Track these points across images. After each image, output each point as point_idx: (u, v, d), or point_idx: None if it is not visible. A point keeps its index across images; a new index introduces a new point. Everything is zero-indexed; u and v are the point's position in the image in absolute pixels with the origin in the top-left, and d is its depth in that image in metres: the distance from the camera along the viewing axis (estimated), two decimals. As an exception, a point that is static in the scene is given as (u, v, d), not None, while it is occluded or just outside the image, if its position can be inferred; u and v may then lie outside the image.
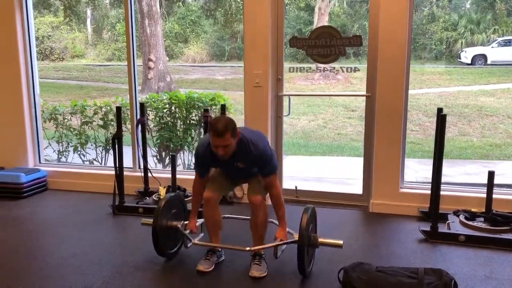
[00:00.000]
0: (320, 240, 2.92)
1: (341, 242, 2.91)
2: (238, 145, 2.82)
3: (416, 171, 6.14)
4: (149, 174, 4.49)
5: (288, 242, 2.95)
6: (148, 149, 4.64)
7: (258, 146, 2.85)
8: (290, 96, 4.53)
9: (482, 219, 3.59)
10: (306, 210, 2.88)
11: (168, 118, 5.66)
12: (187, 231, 3.12)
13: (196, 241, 3.11)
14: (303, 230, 2.76)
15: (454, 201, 3.90)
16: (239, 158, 2.87)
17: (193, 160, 3.29)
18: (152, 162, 5.53)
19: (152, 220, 3.05)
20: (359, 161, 4.46)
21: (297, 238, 2.80)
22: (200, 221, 3.35)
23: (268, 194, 2.98)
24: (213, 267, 3.04)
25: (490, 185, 3.54)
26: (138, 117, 4.56)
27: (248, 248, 2.96)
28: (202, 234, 3.36)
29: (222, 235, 3.20)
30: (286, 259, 3.03)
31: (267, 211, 3.01)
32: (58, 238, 3.63)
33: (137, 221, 3.93)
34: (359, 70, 4.35)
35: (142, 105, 4.46)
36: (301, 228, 2.77)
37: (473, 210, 3.72)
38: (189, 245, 3.14)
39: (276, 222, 3.06)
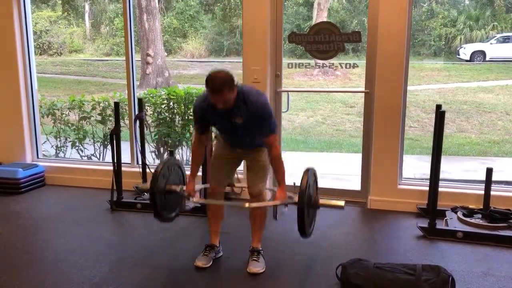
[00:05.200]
0: (321, 201, 2.87)
1: (342, 203, 2.86)
2: (238, 96, 2.69)
3: (415, 168, 6.14)
4: (147, 170, 4.49)
5: (288, 203, 2.85)
6: (146, 144, 4.63)
7: (259, 98, 2.75)
8: (289, 92, 4.52)
9: (480, 215, 3.59)
10: (306, 171, 2.79)
11: (167, 114, 5.65)
12: (187, 195, 2.96)
13: (195, 199, 3.02)
14: (303, 190, 2.69)
15: (452, 198, 3.91)
16: (238, 111, 2.73)
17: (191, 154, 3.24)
18: (150, 157, 5.52)
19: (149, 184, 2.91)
20: (358, 157, 4.46)
21: (297, 200, 2.71)
22: (199, 186, 3.29)
23: (268, 153, 2.88)
24: (211, 263, 3.04)
25: (488, 181, 3.54)
26: (136, 112, 4.54)
27: (247, 205, 2.87)
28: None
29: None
30: (284, 254, 3.04)
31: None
32: (56, 234, 3.62)
33: (135, 217, 3.94)
34: (358, 66, 4.35)
35: (140, 101, 4.44)
36: (301, 187, 2.69)
37: (471, 206, 3.72)
38: (190, 205, 3.05)
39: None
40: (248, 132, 2.85)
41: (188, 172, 3.05)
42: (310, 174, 2.79)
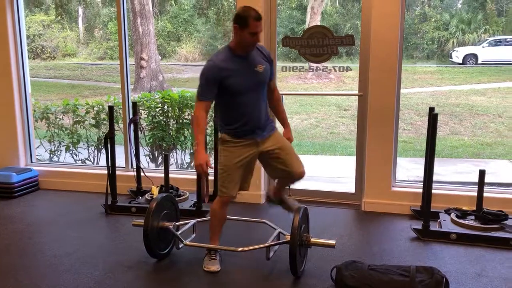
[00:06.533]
0: (312, 240, 2.94)
1: (333, 242, 2.92)
2: None
3: (408, 170, 6.17)
4: (142, 174, 4.48)
5: (280, 243, 2.97)
6: (140, 148, 4.63)
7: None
8: (283, 95, 4.52)
9: (473, 217, 3.61)
10: (298, 210, 2.89)
11: (161, 117, 5.64)
12: (204, 165, 2.81)
13: (187, 242, 3.12)
14: (295, 230, 2.77)
15: (445, 200, 3.93)
16: (258, 57, 2.95)
17: (191, 147, 3.25)
18: (144, 161, 5.51)
19: (143, 221, 3.04)
20: (352, 160, 4.48)
21: (289, 238, 2.81)
22: (192, 221, 3.35)
23: (270, 97, 3.10)
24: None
25: (481, 183, 3.57)
26: (131, 116, 4.55)
27: (240, 249, 2.98)
28: (194, 235, 3.36)
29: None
30: (279, 258, 3.04)
31: None
32: (50, 238, 3.61)
33: (129, 220, 3.92)
34: (351, 69, 4.37)
35: (134, 104, 4.44)
36: (293, 228, 2.78)
37: (464, 208, 3.74)
38: (180, 246, 3.14)
39: (270, 223, 3.07)
40: (264, 84, 2.98)
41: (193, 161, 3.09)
42: (301, 214, 2.86)
